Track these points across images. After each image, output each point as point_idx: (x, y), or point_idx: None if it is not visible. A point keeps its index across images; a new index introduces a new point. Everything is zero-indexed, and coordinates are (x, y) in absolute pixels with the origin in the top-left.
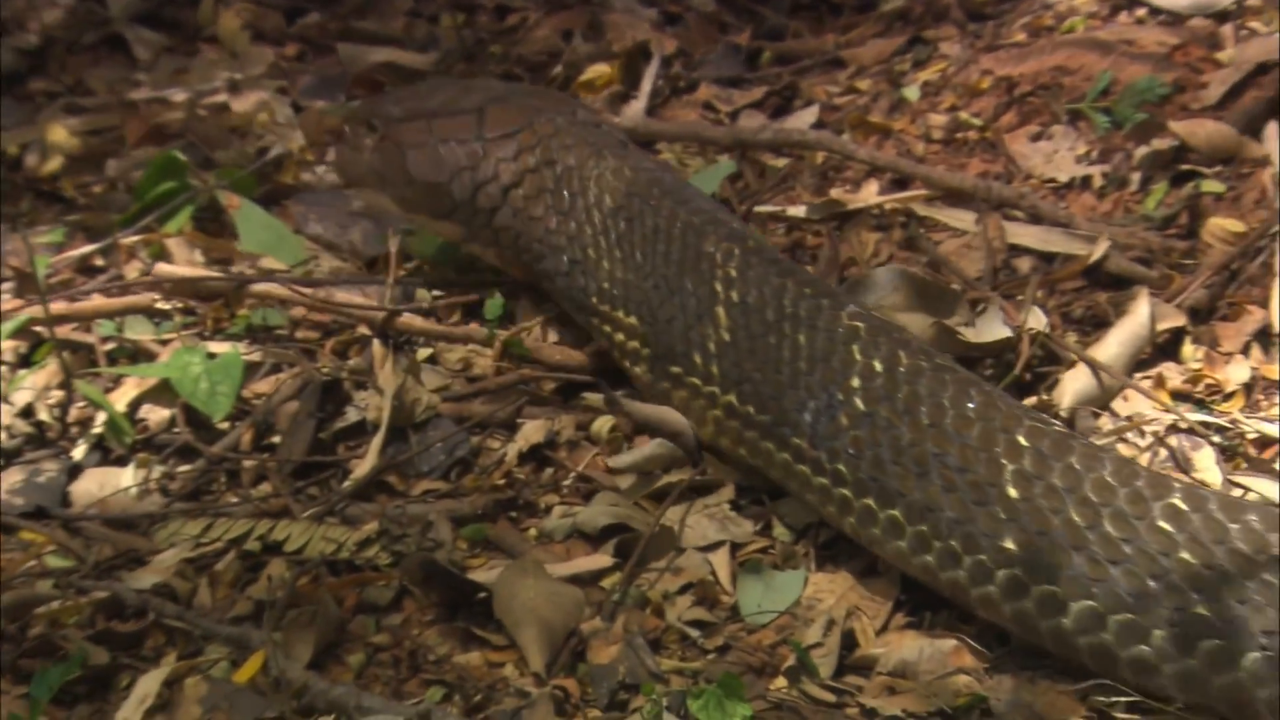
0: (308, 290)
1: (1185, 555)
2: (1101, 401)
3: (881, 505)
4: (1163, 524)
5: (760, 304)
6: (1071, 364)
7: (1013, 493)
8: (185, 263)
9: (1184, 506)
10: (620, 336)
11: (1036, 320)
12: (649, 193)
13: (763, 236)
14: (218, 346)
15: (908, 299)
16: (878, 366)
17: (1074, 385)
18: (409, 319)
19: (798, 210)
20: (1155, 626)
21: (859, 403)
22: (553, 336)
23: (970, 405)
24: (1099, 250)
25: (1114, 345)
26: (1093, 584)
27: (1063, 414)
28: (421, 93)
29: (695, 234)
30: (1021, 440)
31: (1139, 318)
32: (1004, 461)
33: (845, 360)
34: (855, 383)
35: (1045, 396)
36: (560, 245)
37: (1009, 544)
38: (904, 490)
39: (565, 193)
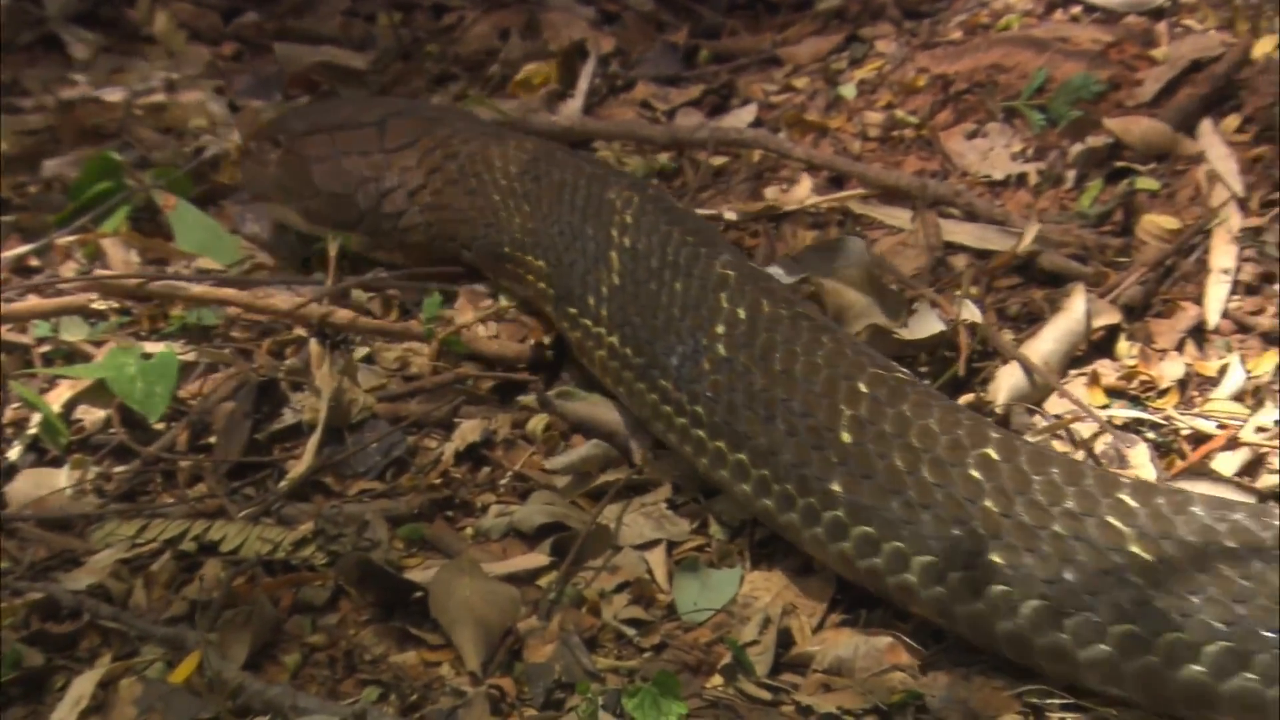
0: (238, 291)
1: (989, 504)
2: (1036, 398)
3: (732, 449)
4: (974, 473)
5: (648, 250)
6: (1006, 360)
7: (846, 438)
8: (121, 263)
9: (996, 456)
10: (531, 278)
11: (971, 314)
12: (552, 156)
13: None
14: (153, 347)
15: (863, 277)
16: (741, 314)
17: (1009, 381)
18: (346, 316)
19: (730, 214)
20: (924, 552)
21: (721, 349)
22: (491, 331)
23: (819, 353)
24: (1027, 238)
25: (1049, 341)
26: (905, 525)
27: (998, 410)
28: (325, 108)
29: (599, 183)
30: (862, 387)
31: (1074, 314)
32: (842, 407)
33: (713, 308)
34: (720, 329)
35: (981, 393)
36: (473, 217)
37: (836, 487)
38: (751, 434)
39: (471, 176)
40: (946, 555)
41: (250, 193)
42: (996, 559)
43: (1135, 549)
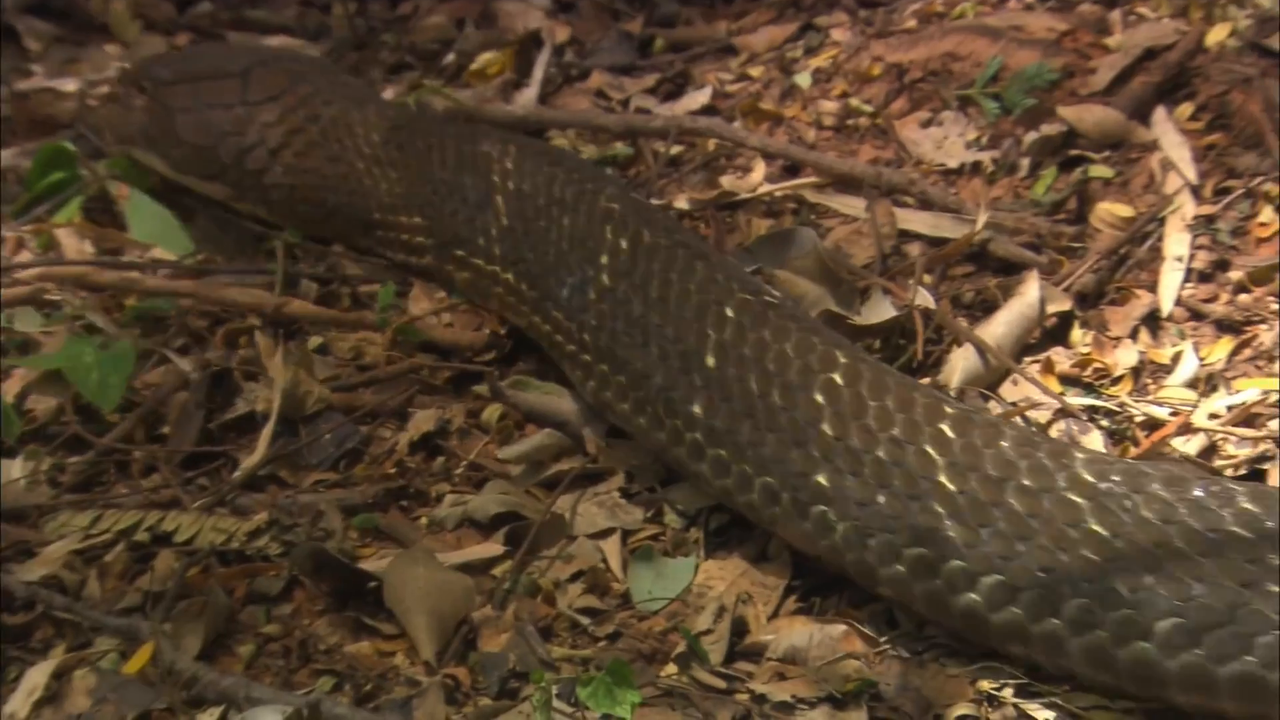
0: (193, 283)
1: (827, 429)
2: (990, 380)
3: (613, 372)
4: (818, 398)
5: (534, 191)
6: (960, 343)
7: (710, 362)
8: (75, 254)
9: (840, 382)
10: (406, 236)
11: (924, 299)
12: (414, 123)
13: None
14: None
15: (815, 267)
16: (624, 245)
17: (962, 364)
18: (300, 306)
19: (684, 203)
20: (767, 474)
21: (605, 278)
22: (445, 319)
23: (693, 280)
24: (979, 224)
25: (1001, 325)
26: (751, 449)
27: (952, 393)
28: (190, 56)
29: (469, 140)
30: (728, 312)
31: (1028, 299)
32: (709, 333)
33: (599, 239)
34: (604, 260)
35: (934, 377)
36: (336, 184)
37: (697, 409)
38: (629, 359)
39: (334, 141)
40: (783, 479)
41: (114, 138)
42: (822, 480)
43: (944, 478)
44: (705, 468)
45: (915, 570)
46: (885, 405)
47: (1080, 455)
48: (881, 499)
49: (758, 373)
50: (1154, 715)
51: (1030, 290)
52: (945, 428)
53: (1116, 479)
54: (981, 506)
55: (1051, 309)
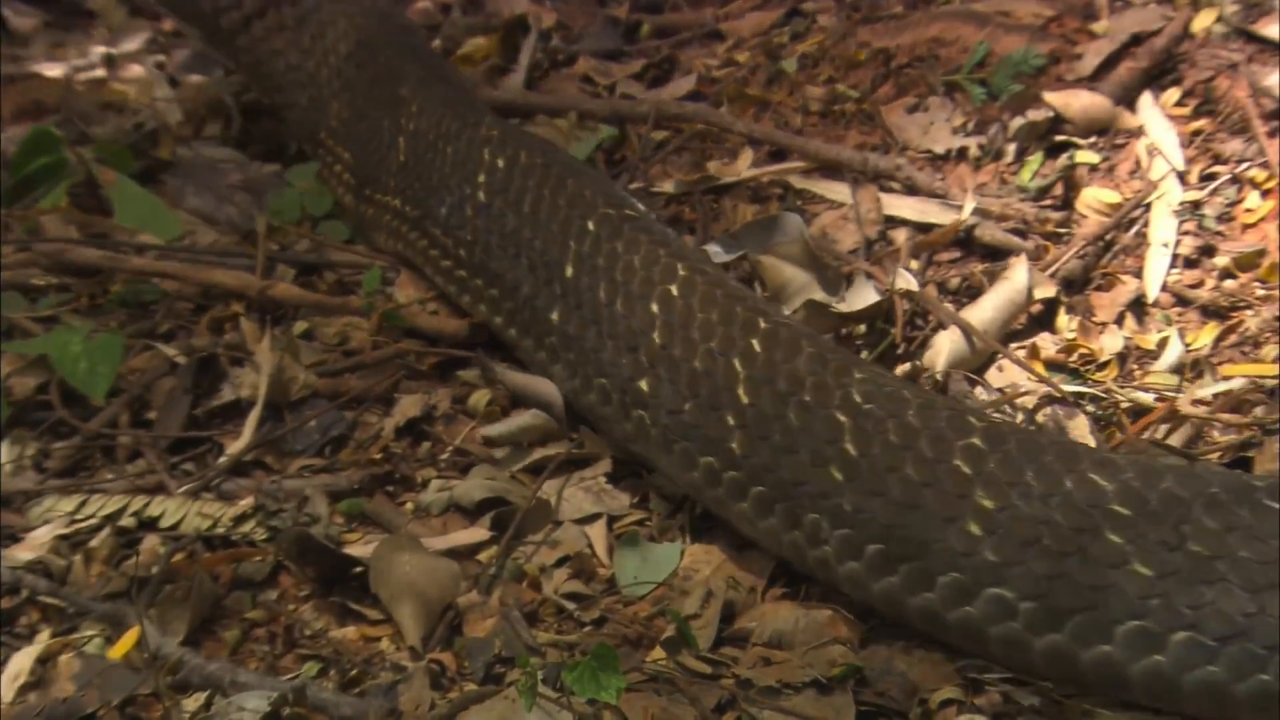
0: (179, 265)
1: (656, 336)
2: (975, 364)
3: (486, 285)
4: (653, 306)
5: (427, 129)
6: (945, 325)
7: (569, 272)
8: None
9: (675, 293)
10: (338, 168)
11: (906, 283)
12: (380, 43)
13: (457, 88)
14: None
15: (801, 253)
16: (500, 164)
17: (947, 347)
18: (285, 289)
19: (670, 187)
20: (602, 375)
21: (481, 195)
22: (431, 307)
23: (562, 195)
24: (966, 210)
25: (988, 310)
26: (594, 354)
27: (937, 378)
28: None
29: (396, 80)
30: (589, 226)
31: (1015, 283)
32: (570, 244)
33: (477, 161)
34: (481, 179)
35: (919, 362)
36: (300, 83)
37: (554, 316)
38: (501, 271)
39: (305, 34)
40: (615, 383)
41: None
42: (643, 386)
43: (741, 390)
44: (560, 369)
45: (708, 478)
46: (710, 318)
47: (860, 375)
48: (688, 407)
49: (607, 282)
50: (1137, 702)
51: (1018, 275)
52: (755, 343)
53: (883, 402)
54: (766, 419)
55: (1038, 294)
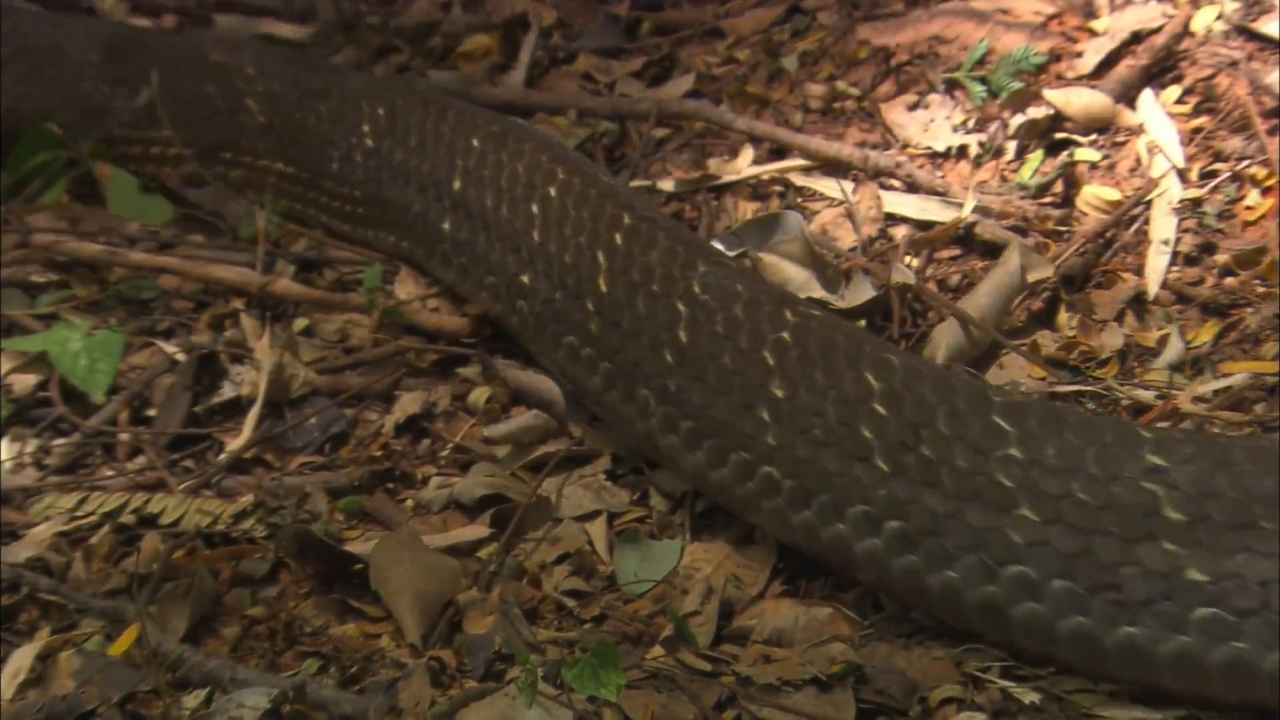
0: (178, 259)
1: (536, 235)
2: (974, 355)
3: (382, 213)
4: (534, 208)
5: (283, 90)
6: (943, 317)
7: (456, 186)
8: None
9: (554, 194)
10: (158, 149)
11: (903, 277)
12: (129, 39)
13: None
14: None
15: (802, 251)
16: (382, 113)
17: (946, 339)
18: (285, 285)
19: (669, 185)
20: (491, 275)
21: (369, 142)
22: (432, 304)
23: (445, 124)
24: (966, 208)
25: (984, 296)
26: (498, 266)
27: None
28: None
29: (198, 52)
30: (474, 143)
31: (1009, 267)
32: (457, 161)
33: (357, 114)
34: (365, 128)
35: (918, 353)
36: (64, 105)
37: (446, 226)
38: (395, 198)
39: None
40: (503, 280)
41: None
42: (525, 280)
43: (601, 280)
44: (452, 274)
45: (569, 356)
46: (581, 215)
47: (704, 268)
48: (558, 296)
49: (493, 191)
50: (1138, 698)
51: (1012, 258)
52: (617, 237)
53: (717, 295)
54: (619, 306)
55: (1033, 276)
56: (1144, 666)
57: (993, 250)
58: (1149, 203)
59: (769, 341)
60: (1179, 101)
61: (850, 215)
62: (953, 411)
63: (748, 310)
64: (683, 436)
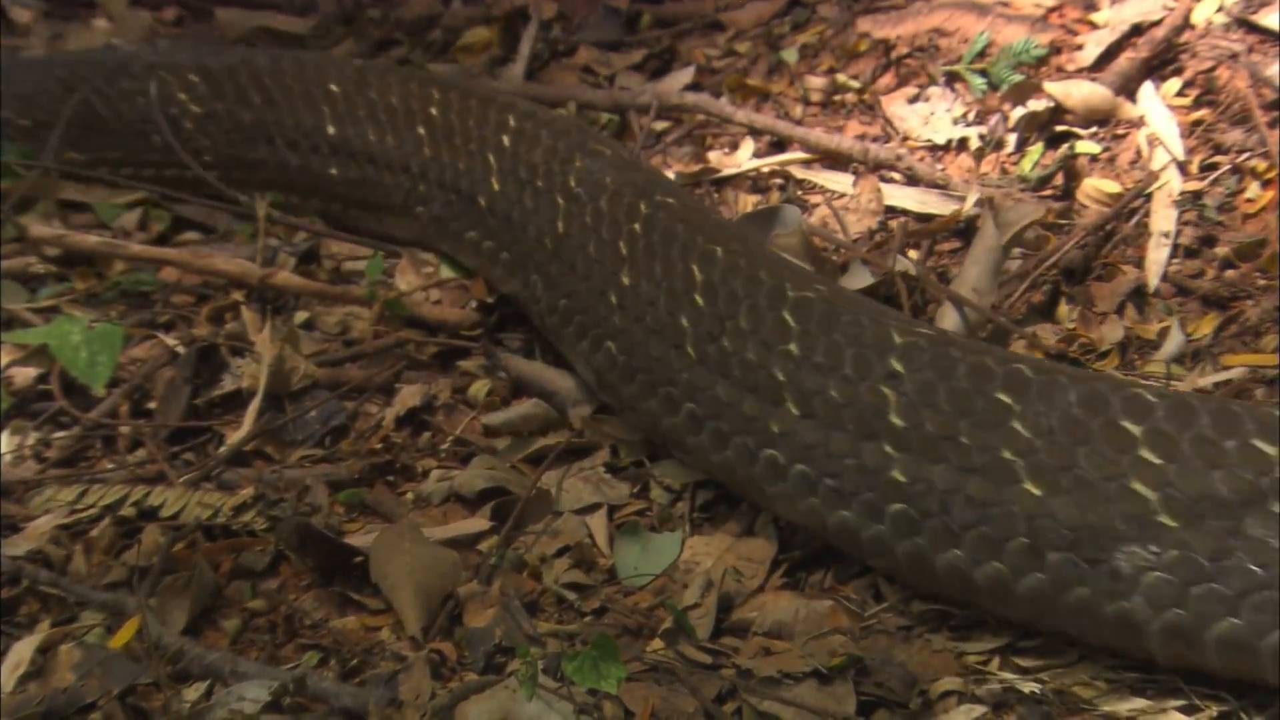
0: (177, 251)
1: (495, 182)
2: (971, 336)
3: (353, 191)
4: (420, 131)
5: (231, 70)
6: (940, 301)
7: (331, 130)
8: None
9: (507, 143)
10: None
11: (903, 265)
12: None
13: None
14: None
15: (800, 244)
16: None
17: (943, 324)
18: (285, 277)
19: (668, 176)
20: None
21: (331, 130)
22: (434, 296)
23: (409, 91)
24: (969, 201)
25: (971, 268)
26: (393, 191)
27: None
28: None
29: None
30: (333, 88)
31: (986, 233)
32: (324, 109)
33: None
34: (326, 112)
35: None
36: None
37: (333, 172)
38: (362, 176)
39: None
40: (399, 197)
41: None
42: (482, 203)
43: (560, 223)
44: (355, 216)
45: (470, 248)
46: (467, 125)
47: (579, 164)
48: (454, 199)
49: (374, 125)
50: (1137, 688)
51: (986, 225)
52: (505, 139)
53: (590, 189)
54: (510, 202)
55: (1018, 226)
56: (854, 546)
57: None
58: (1149, 195)
59: (624, 233)
60: (1179, 94)
61: (851, 208)
62: (753, 307)
63: (612, 201)
64: (560, 315)
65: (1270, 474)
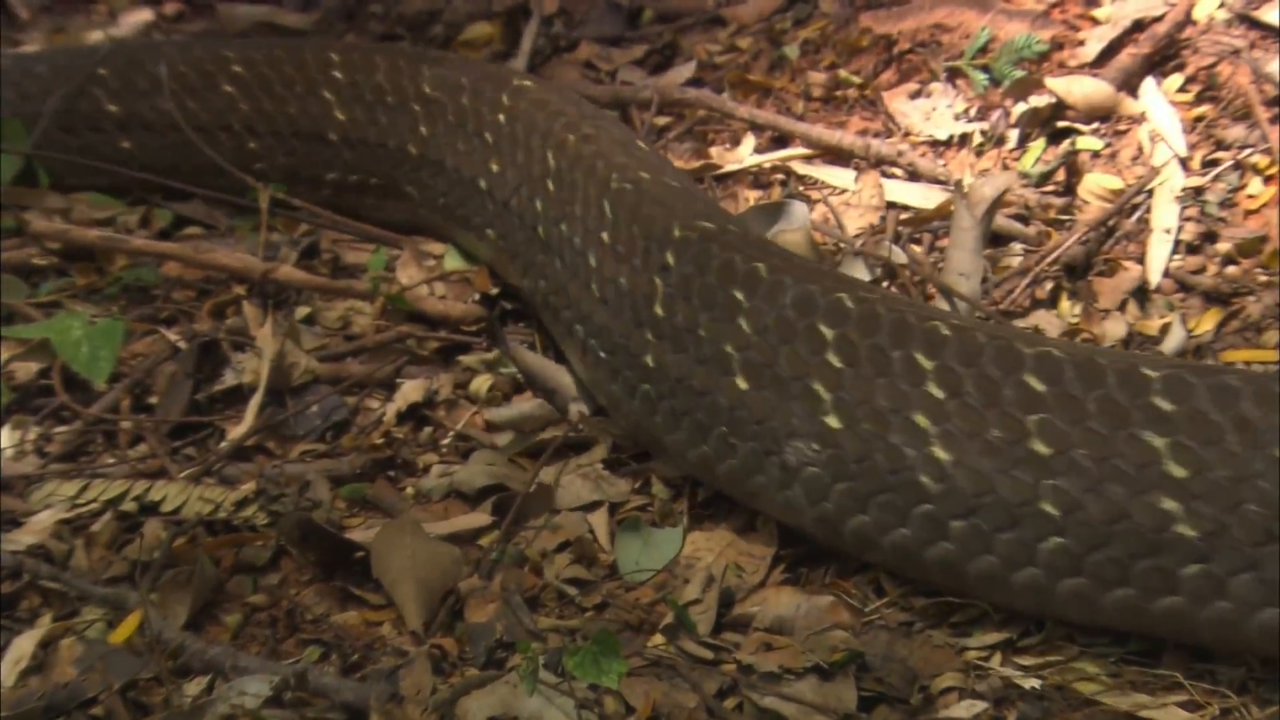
0: (179, 245)
1: (423, 129)
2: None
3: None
4: (329, 94)
5: (201, 60)
6: (937, 291)
7: (292, 110)
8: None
9: (429, 90)
10: None
11: (898, 257)
12: None
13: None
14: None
15: (805, 240)
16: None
17: None
18: (287, 272)
19: None
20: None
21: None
22: (439, 291)
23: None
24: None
25: (954, 253)
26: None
27: None
28: None
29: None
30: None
31: (960, 220)
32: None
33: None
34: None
35: None
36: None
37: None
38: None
39: None
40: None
41: None
42: (409, 149)
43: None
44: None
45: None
46: (379, 81)
47: (429, 71)
48: (449, 162)
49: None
50: (1138, 684)
51: (959, 211)
52: (337, 74)
53: (445, 94)
54: (361, 126)
55: (991, 195)
56: (707, 472)
57: (995, 238)
58: (1151, 191)
59: (488, 123)
60: (1181, 90)
61: (852, 203)
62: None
63: (473, 98)
64: (439, 211)
65: (922, 385)
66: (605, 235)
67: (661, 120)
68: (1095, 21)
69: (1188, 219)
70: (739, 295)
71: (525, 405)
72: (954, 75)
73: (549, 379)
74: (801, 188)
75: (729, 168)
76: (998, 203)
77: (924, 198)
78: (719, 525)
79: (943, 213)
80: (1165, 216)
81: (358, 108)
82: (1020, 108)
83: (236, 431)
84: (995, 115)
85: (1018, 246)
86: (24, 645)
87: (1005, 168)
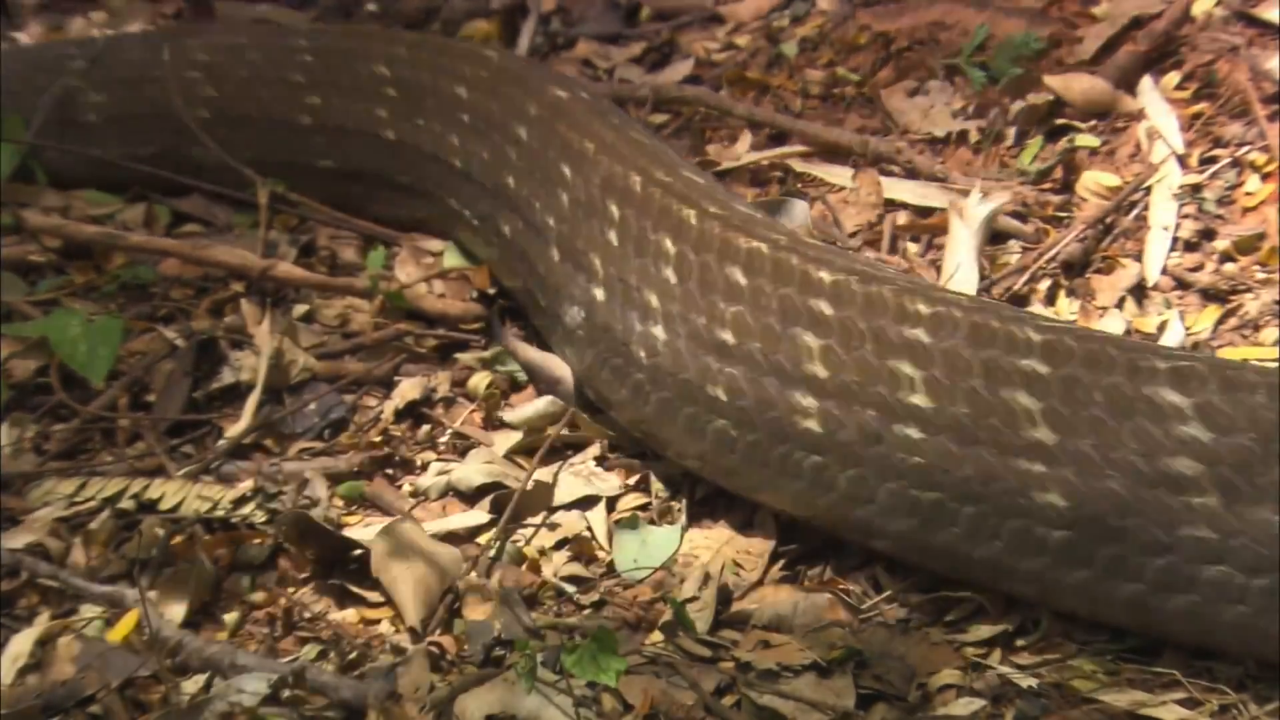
0: (178, 242)
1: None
2: None
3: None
4: (380, 74)
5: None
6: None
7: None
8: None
9: (404, 53)
10: None
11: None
12: None
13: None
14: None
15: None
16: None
17: None
18: (286, 269)
19: None
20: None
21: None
22: (438, 289)
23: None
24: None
25: (952, 259)
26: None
27: None
28: None
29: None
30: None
31: (954, 229)
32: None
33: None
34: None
35: None
36: None
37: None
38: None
39: None
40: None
41: None
42: (389, 136)
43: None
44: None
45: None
46: (351, 46)
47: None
48: (411, 139)
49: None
50: (1136, 681)
51: (953, 225)
52: (311, 58)
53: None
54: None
55: (981, 216)
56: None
57: (993, 237)
58: (1149, 188)
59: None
60: (1179, 87)
61: (850, 201)
62: None
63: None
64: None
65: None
66: None
67: (659, 118)
68: (1093, 19)
69: (1185, 216)
70: (565, 169)
71: (540, 404)
72: (952, 73)
73: (550, 371)
74: (799, 185)
75: (727, 165)
76: (991, 219)
77: (922, 195)
78: (717, 523)
79: (938, 225)
80: (1163, 214)
81: (328, 95)
82: (1018, 105)
83: (234, 429)
84: (993, 113)
85: (1015, 244)
86: (22, 643)
87: (1003, 165)
